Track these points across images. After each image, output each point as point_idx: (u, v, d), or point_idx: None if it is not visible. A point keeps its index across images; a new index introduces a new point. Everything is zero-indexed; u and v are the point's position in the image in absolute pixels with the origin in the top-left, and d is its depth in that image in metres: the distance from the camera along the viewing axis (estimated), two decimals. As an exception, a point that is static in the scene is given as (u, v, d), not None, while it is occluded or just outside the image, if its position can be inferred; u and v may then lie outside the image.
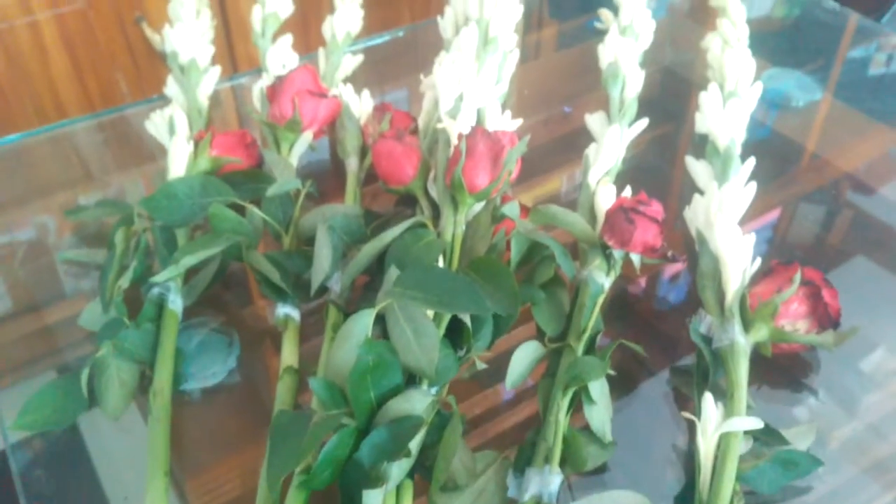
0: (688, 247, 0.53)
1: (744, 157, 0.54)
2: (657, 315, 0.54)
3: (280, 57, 0.65)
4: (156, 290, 0.48)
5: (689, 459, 0.44)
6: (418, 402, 0.40)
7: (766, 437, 0.42)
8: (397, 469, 0.39)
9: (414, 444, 0.40)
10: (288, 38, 0.66)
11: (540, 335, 0.47)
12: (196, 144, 0.55)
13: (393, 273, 0.44)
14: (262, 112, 0.60)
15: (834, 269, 0.56)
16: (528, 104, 0.71)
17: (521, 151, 0.49)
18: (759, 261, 0.48)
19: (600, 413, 0.43)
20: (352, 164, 0.58)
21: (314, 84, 0.58)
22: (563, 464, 0.42)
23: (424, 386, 0.42)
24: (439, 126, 0.52)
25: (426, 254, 0.46)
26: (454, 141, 0.50)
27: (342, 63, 0.67)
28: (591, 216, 0.51)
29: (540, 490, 0.40)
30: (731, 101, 0.57)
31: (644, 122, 0.58)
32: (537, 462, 0.41)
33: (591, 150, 0.56)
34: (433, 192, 0.51)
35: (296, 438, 0.37)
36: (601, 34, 0.65)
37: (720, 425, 0.41)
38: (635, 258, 0.49)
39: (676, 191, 0.62)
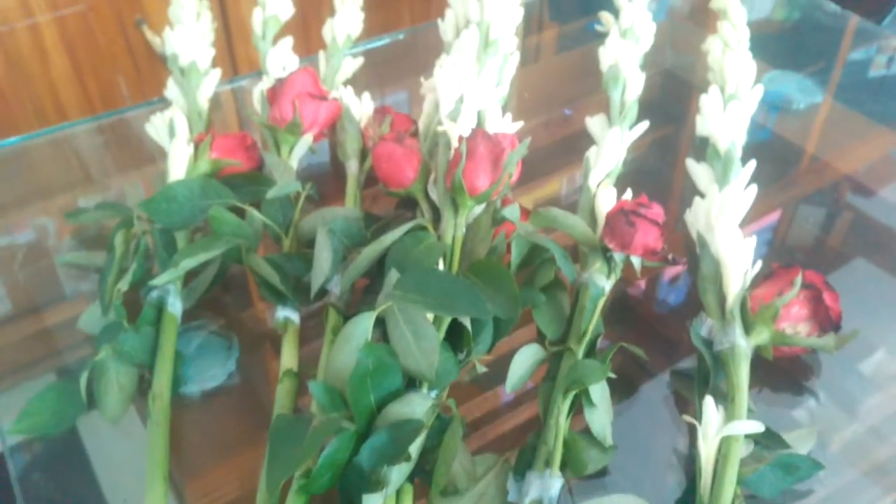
0: (688, 249, 0.53)
1: (744, 160, 0.54)
2: (657, 318, 0.54)
3: (280, 59, 0.65)
4: (155, 293, 0.48)
5: (690, 463, 0.44)
6: (418, 405, 0.40)
7: (767, 440, 0.42)
8: (397, 473, 0.39)
9: (414, 448, 0.39)
10: (288, 41, 0.66)
11: (540, 338, 0.47)
12: (196, 147, 0.55)
13: (393, 276, 0.44)
14: (263, 115, 0.60)
15: (834, 271, 0.55)
16: (528, 107, 0.71)
17: (522, 154, 0.49)
18: (759, 263, 0.47)
19: (601, 416, 0.43)
20: (352, 166, 0.58)
21: (314, 87, 0.58)
22: (563, 467, 0.41)
23: (424, 389, 0.42)
24: (440, 128, 0.52)
25: (426, 257, 0.46)
26: (454, 143, 0.50)
27: (342, 65, 0.67)
28: (592, 219, 0.51)
29: (540, 494, 0.40)
30: (731, 104, 0.57)
31: (644, 125, 0.58)
32: (538, 466, 0.41)
33: (591, 153, 0.55)
34: (433, 195, 0.51)
35: (295, 443, 0.37)
36: (601, 37, 0.65)
37: (721, 429, 0.41)
38: (636, 261, 0.49)
39: (677, 193, 0.62)
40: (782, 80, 0.74)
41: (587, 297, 0.47)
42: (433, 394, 0.42)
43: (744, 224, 0.50)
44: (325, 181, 0.62)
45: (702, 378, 0.45)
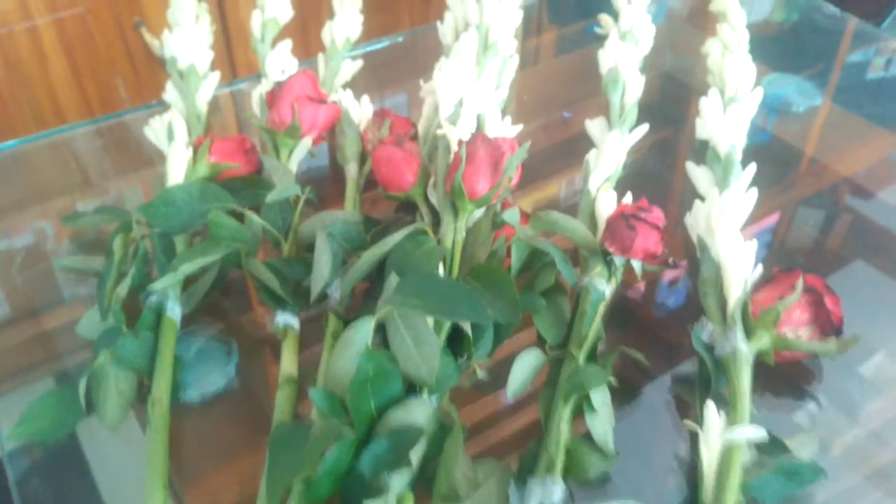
0: (688, 253, 0.53)
1: (744, 163, 0.54)
2: (658, 322, 0.54)
3: (279, 62, 0.65)
4: (154, 298, 0.48)
5: (692, 469, 0.43)
6: (419, 411, 0.40)
7: (769, 445, 0.42)
8: (398, 480, 0.38)
9: (415, 455, 0.39)
10: (287, 44, 0.66)
11: (541, 343, 0.47)
12: (195, 150, 0.55)
13: (393, 280, 0.44)
14: (262, 118, 0.60)
15: (833, 274, 0.55)
16: (527, 110, 0.71)
17: (522, 157, 0.49)
18: (760, 267, 0.47)
19: (602, 422, 0.43)
20: (351, 170, 0.58)
21: (313, 90, 0.58)
22: (565, 474, 0.41)
23: (425, 395, 0.42)
24: (439, 132, 0.52)
25: (426, 261, 0.46)
26: (454, 147, 0.50)
27: (342, 68, 0.67)
28: (592, 222, 0.51)
29: (542, 500, 0.40)
30: (731, 107, 0.57)
31: (644, 128, 0.58)
32: (539, 472, 0.41)
33: (591, 156, 0.55)
34: (433, 199, 0.51)
35: (296, 450, 0.37)
36: (601, 39, 0.65)
37: (723, 434, 0.40)
38: (636, 265, 0.49)
39: (677, 196, 0.62)
40: (781, 83, 0.74)
41: (588, 301, 0.47)
42: (434, 399, 0.42)
43: (743, 226, 0.50)
44: (324, 185, 0.62)
45: (703, 383, 0.45)
